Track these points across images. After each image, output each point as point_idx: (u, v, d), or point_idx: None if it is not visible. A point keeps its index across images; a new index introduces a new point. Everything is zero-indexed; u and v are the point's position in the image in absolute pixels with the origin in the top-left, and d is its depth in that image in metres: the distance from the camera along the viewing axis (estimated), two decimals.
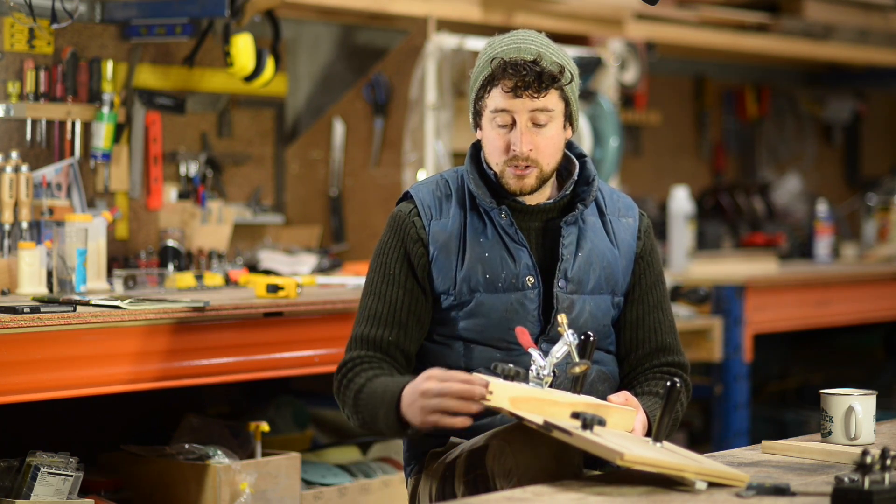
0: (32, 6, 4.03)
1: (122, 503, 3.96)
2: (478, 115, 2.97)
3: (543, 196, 2.99)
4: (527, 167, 2.91)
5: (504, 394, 2.62)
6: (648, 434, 2.78)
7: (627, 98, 5.99)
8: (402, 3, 4.92)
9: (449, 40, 4.83)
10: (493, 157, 2.95)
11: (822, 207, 6.44)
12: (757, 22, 6.38)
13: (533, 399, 2.64)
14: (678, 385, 2.62)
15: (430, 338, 3.00)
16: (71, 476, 3.69)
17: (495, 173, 2.96)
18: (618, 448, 2.45)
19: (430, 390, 2.69)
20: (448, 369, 2.75)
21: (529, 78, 2.87)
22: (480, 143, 3.04)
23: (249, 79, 4.49)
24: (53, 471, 3.66)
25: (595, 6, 5.47)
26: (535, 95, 2.88)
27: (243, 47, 4.41)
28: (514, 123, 2.90)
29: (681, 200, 5.64)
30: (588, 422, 2.53)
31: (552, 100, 2.91)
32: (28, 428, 4.14)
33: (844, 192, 7.59)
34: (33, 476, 3.64)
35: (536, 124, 2.90)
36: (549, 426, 2.55)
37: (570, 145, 3.04)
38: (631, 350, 3.04)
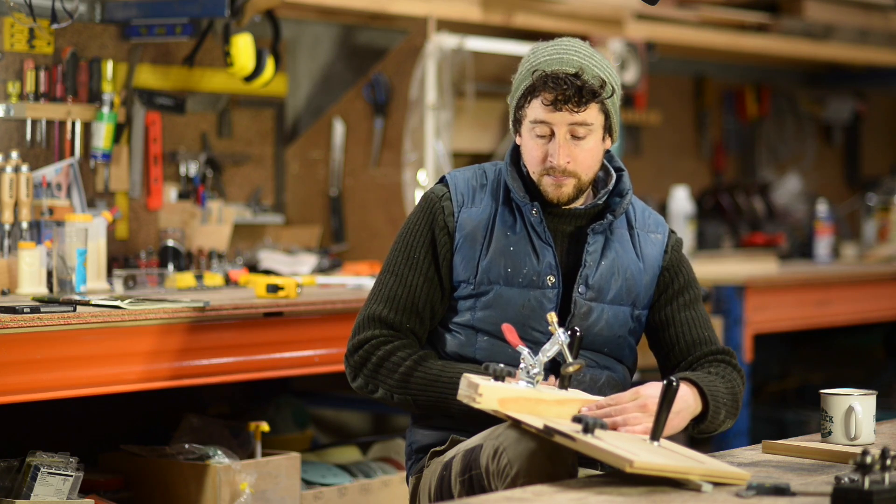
0: (32, 6, 4.03)
1: (122, 503, 3.96)
2: (517, 122, 2.98)
3: (577, 202, 3.00)
4: (565, 177, 2.93)
5: (493, 396, 2.62)
6: (702, 396, 2.82)
7: (627, 98, 5.99)
8: (402, 3, 4.92)
9: (449, 40, 4.83)
10: (531, 166, 2.96)
11: (822, 207, 6.44)
12: (757, 22, 6.38)
13: (521, 399, 2.64)
14: (675, 384, 2.61)
15: (444, 325, 3.01)
16: (71, 476, 3.69)
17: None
18: (625, 455, 2.45)
19: None
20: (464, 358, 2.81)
21: (570, 92, 2.87)
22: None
23: (249, 79, 4.49)
24: (53, 471, 3.66)
25: (595, 6, 5.47)
26: (575, 110, 2.89)
27: (243, 47, 4.41)
28: (552, 135, 2.91)
29: (681, 200, 5.64)
30: (589, 426, 2.53)
31: (592, 114, 2.91)
32: (28, 428, 4.14)
33: (844, 192, 7.59)
34: (33, 476, 3.64)
35: (575, 137, 2.91)
36: (550, 431, 2.55)
37: (609, 158, 3.05)
38: (668, 350, 3.04)
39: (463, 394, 2.67)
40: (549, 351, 2.74)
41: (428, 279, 2.97)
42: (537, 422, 2.59)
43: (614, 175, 3.04)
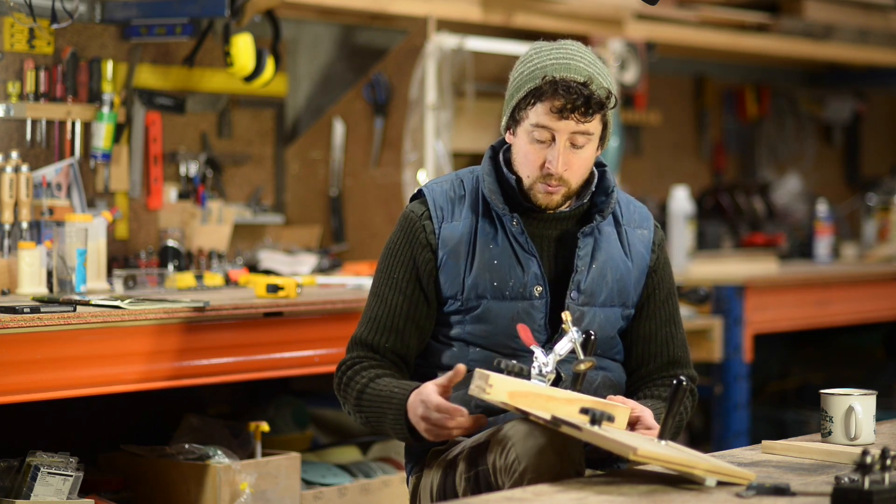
0: (32, 6, 4.03)
1: (122, 503, 3.96)
2: (514, 122, 2.94)
3: (562, 205, 2.98)
4: (557, 185, 2.91)
5: (503, 388, 2.62)
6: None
7: (627, 98, 5.99)
8: (402, 3, 4.92)
9: (449, 40, 4.83)
10: (525, 170, 2.93)
11: (822, 207, 6.44)
12: (757, 22, 6.38)
13: (532, 394, 2.64)
14: (684, 383, 2.61)
15: (435, 337, 3.00)
16: (71, 476, 3.69)
17: (517, 179, 2.94)
18: (630, 443, 2.46)
19: (428, 418, 2.75)
20: (442, 373, 2.80)
21: (579, 101, 2.84)
22: (498, 145, 3.02)
23: (249, 79, 4.49)
24: (53, 471, 3.66)
25: (595, 6, 5.47)
26: (581, 119, 2.86)
27: (243, 47, 4.41)
28: (552, 141, 2.88)
29: (681, 200, 5.64)
30: (597, 417, 2.53)
31: (594, 124, 2.89)
32: (28, 428, 4.14)
33: (844, 192, 7.59)
34: (33, 476, 3.64)
35: (574, 145, 2.89)
36: (557, 421, 2.55)
37: None
38: (641, 364, 3.04)
39: (474, 385, 2.65)
40: (561, 350, 2.74)
41: (407, 297, 2.95)
42: (545, 413, 2.59)
43: (596, 173, 3.01)
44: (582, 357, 2.74)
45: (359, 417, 2.95)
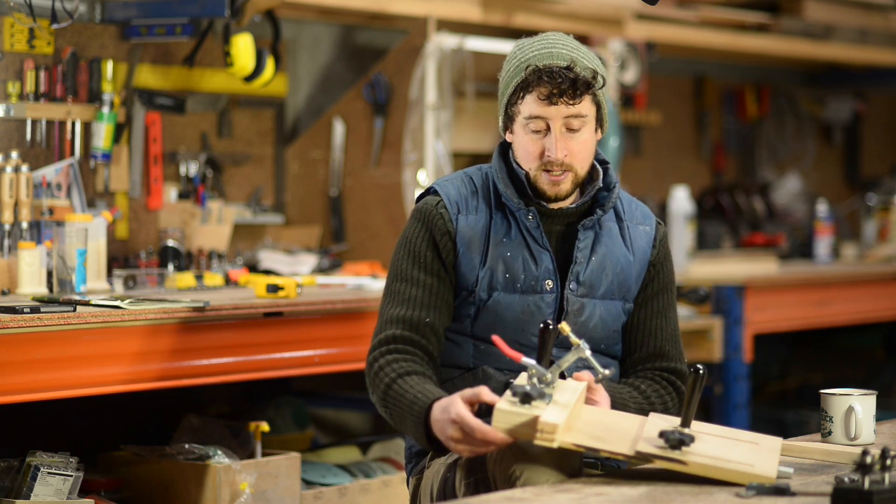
0: (32, 6, 4.04)
1: (122, 503, 3.96)
2: (509, 119, 2.96)
3: (567, 200, 2.98)
4: (563, 172, 2.91)
5: (561, 428, 2.52)
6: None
7: (627, 98, 5.99)
8: (402, 3, 4.92)
9: (449, 40, 4.83)
10: (527, 163, 2.94)
11: (822, 207, 6.44)
12: (757, 22, 6.39)
13: (570, 418, 2.59)
14: (702, 371, 2.59)
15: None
16: (71, 476, 3.69)
17: (526, 174, 2.95)
18: (746, 470, 2.46)
19: (453, 437, 2.65)
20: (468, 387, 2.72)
21: (564, 85, 2.86)
22: (507, 142, 3.03)
23: (249, 79, 4.49)
24: (53, 471, 3.66)
25: (595, 6, 5.47)
26: (570, 102, 2.88)
27: (243, 47, 4.41)
28: (548, 129, 2.90)
29: (681, 200, 5.64)
30: (677, 441, 2.50)
31: (586, 105, 2.90)
32: (28, 428, 4.15)
33: (844, 192, 7.59)
34: (33, 476, 3.64)
35: (570, 129, 2.90)
36: (646, 457, 2.51)
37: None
38: (628, 353, 3.04)
39: (541, 437, 2.52)
40: (568, 361, 2.67)
41: (441, 278, 2.94)
42: (625, 447, 2.54)
43: (600, 169, 3.02)
44: (599, 368, 2.69)
45: (383, 411, 2.90)
